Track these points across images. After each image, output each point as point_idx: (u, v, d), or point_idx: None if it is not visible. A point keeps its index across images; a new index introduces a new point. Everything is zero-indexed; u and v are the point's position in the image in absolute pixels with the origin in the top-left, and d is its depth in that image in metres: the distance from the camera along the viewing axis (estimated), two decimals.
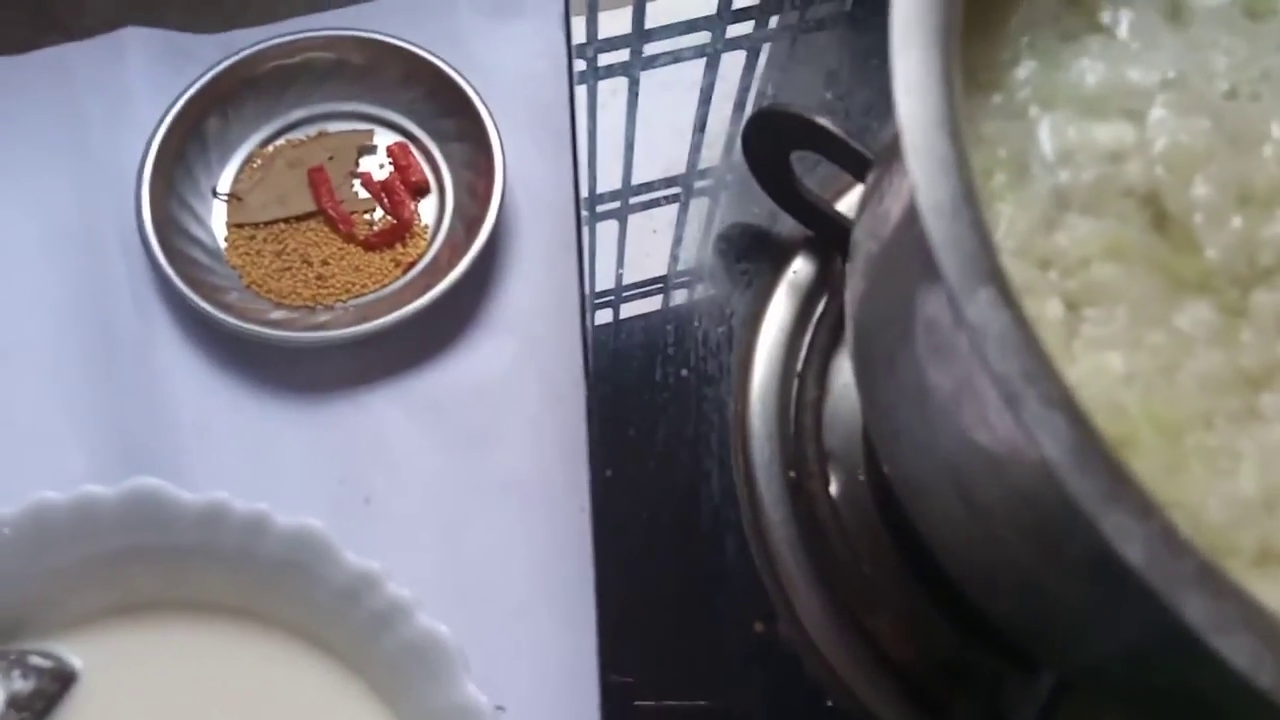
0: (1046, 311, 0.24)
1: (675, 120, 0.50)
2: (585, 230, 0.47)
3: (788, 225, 0.44)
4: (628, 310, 0.45)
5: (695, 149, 0.49)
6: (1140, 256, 0.25)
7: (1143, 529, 0.17)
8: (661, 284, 0.45)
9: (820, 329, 0.42)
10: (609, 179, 0.49)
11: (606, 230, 0.47)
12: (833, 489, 0.40)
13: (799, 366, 0.41)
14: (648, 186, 0.48)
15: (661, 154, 0.49)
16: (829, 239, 0.42)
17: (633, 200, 0.48)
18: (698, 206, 0.47)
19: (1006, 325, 0.18)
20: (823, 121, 0.37)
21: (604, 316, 0.45)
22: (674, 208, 0.47)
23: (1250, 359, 0.24)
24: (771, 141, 0.40)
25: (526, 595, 0.45)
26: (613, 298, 0.45)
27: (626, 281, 0.45)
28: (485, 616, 0.44)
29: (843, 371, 0.41)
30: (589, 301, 0.44)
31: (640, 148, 0.50)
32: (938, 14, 0.21)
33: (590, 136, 0.50)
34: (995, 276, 0.19)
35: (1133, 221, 0.26)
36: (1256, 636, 0.17)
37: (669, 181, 0.48)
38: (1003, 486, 0.23)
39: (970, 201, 0.20)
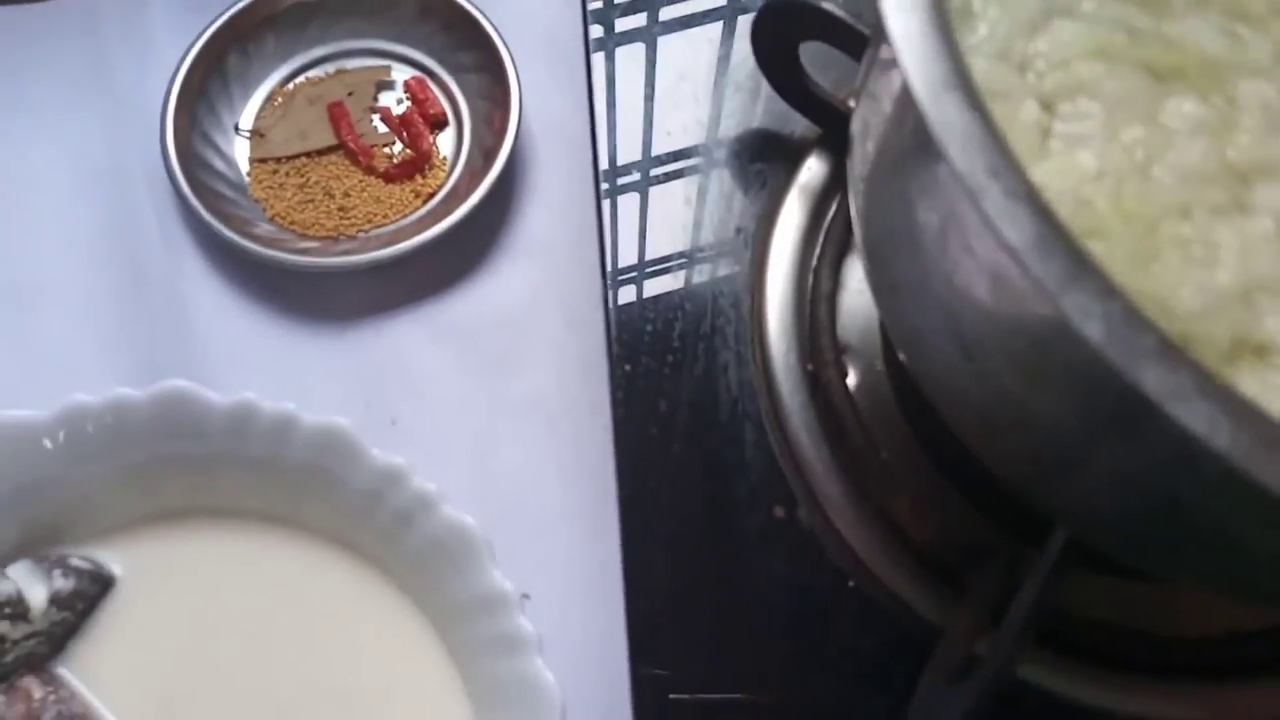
0: (1021, 114, 0.24)
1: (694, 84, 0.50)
2: (609, 203, 0.47)
3: (800, 126, 0.44)
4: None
5: (716, 106, 0.48)
6: (1125, 56, 0.25)
7: (1103, 307, 0.17)
8: (683, 258, 0.45)
9: (834, 224, 0.42)
10: (628, 145, 0.49)
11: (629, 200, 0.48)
12: (850, 380, 0.40)
13: (814, 262, 0.42)
14: (666, 158, 0.48)
15: (678, 119, 0.49)
16: (839, 136, 0.42)
17: (654, 171, 0.48)
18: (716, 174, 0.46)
19: (971, 125, 0.19)
20: (828, 6, 0.37)
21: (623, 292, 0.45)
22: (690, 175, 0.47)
23: (1241, 153, 0.24)
24: (780, 34, 0.40)
25: (553, 510, 0.46)
26: (634, 273, 0.45)
27: (644, 254, 0.45)
28: (514, 532, 0.45)
29: (857, 267, 0.42)
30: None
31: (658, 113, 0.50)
32: None
33: (609, 107, 0.50)
34: (962, 83, 0.19)
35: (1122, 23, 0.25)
36: (1212, 402, 0.17)
37: (685, 154, 0.48)
38: (988, 317, 0.23)
39: (937, 17, 0.20)
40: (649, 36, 0.50)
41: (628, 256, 0.45)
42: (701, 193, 0.45)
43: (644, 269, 0.44)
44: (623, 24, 0.51)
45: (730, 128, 0.46)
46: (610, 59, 0.50)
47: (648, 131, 0.48)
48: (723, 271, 0.43)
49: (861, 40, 0.37)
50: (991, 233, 0.18)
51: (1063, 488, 0.26)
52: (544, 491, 0.46)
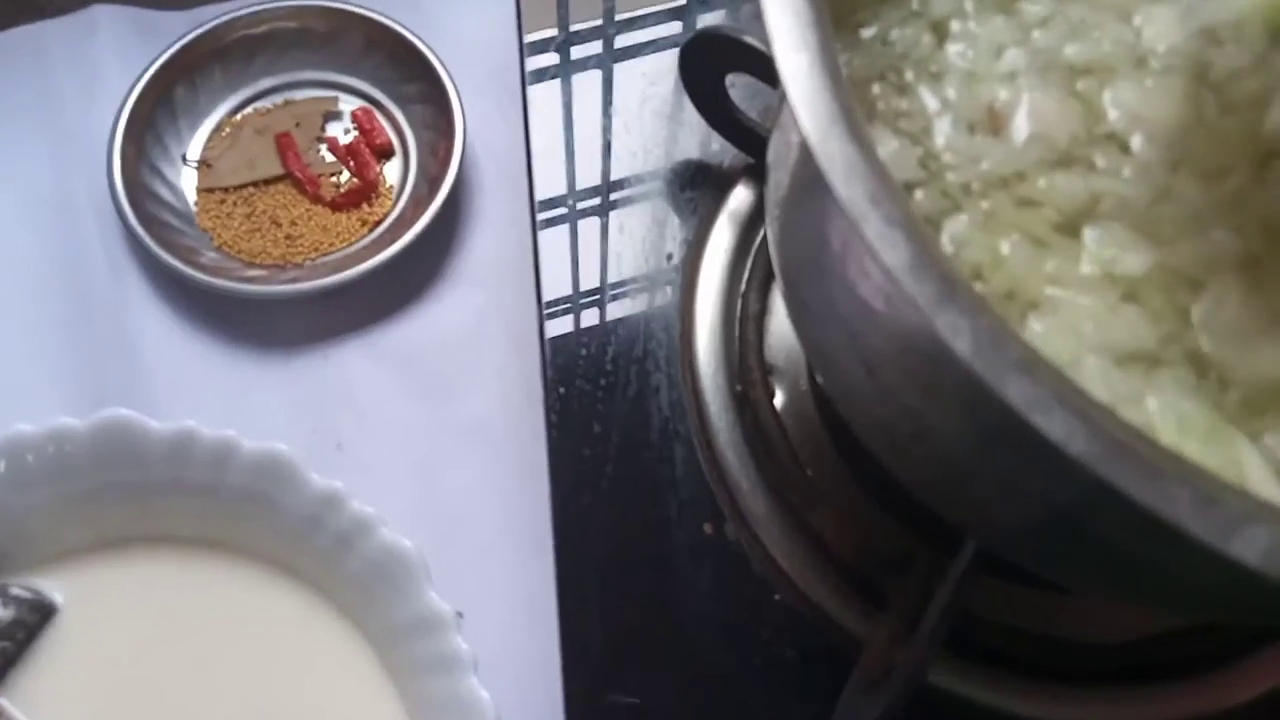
0: None
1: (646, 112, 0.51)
2: (567, 226, 0.49)
3: (729, 156, 0.46)
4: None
5: (671, 140, 0.50)
6: None
7: (970, 324, 0.19)
8: (637, 282, 0.46)
9: (761, 250, 0.44)
10: (584, 172, 0.50)
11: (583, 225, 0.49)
12: (777, 400, 0.41)
13: (742, 286, 0.43)
14: (621, 183, 0.49)
15: (633, 146, 0.50)
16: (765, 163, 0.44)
17: (585, 204, 0.49)
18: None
19: (853, 156, 0.20)
20: (752, 41, 0.39)
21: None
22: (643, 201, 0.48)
23: None
24: (707, 64, 0.42)
25: (493, 531, 0.47)
26: (597, 296, 0.47)
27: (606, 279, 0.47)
28: (455, 553, 0.46)
29: None
30: (560, 298, 0.45)
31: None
32: None
33: (566, 131, 0.51)
34: (846, 117, 0.21)
35: None
36: (1070, 411, 0.18)
37: (611, 186, 0.49)
38: (884, 334, 0.25)
39: (824, 56, 0.21)
40: (604, 64, 0.52)
41: (564, 284, 0.46)
42: (635, 220, 0.47)
43: (578, 298, 0.45)
44: (576, 52, 0.53)
45: (662, 158, 0.48)
46: (567, 83, 0.52)
47: (573, 166, 0.49)
48: (655, 297, 0.44)
49: None
50: (872, 256, 0.19)
51: (963, 498, 0.28)
52: (485, 513, 0.47)
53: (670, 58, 0.51)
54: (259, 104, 0.57)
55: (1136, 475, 0.18)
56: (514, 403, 0.49)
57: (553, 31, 0.53)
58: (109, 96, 0.54)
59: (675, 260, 0.45)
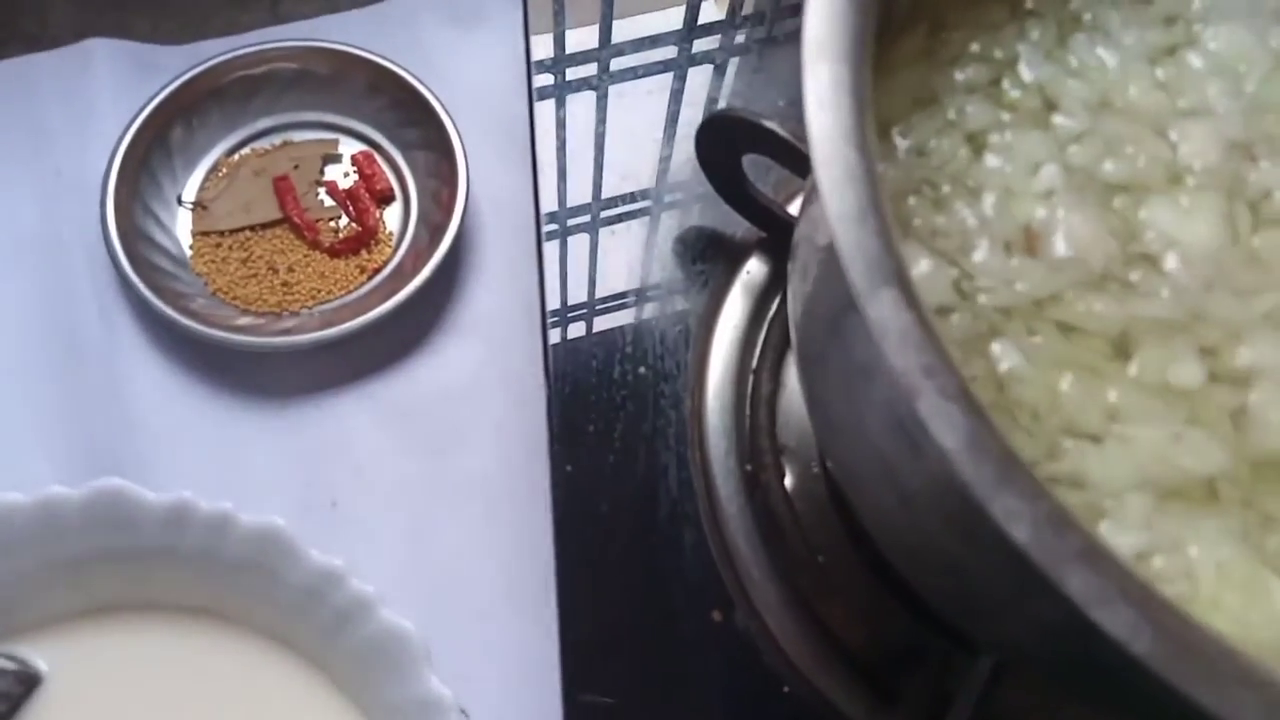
0: None
1: (641, 133, 0.51)
2: (558, 243, 0.48)
3: (742, 228, 0.45)
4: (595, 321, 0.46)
5: (664, 161, 0.50)
6: None
7: (1030, 510, 0.18)
8: (626, 298, 0.46)
9: (774, 327, 0.43)
10: (578, 192, 0.50)
11: (578, 242, 0.48)
12: (788, 482, 0.41)
13: (754, 363, 0.43)
14: (614, 201, 0.49)
15: (627, 167, 0.50)
16: (780, 240, 0.43)
17: (602, 214, 0.49)
18: (665, 218, 0.48)
19: (907, 324, 0.19)
20: (770, 125, 0.38)
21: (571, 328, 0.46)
22: (636, 219, 0.48)
23: None
24: (723, 145, 0.41)
25: (491, 596, 0.46)
26: (584, 310, 0.46)
27: (594, 294, 0.46)
28: (451, 618, 0.45)
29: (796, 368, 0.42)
30: (549, 311, 0.45)
31: (607, 161, 0.51)
32: (849, 31, 0.22)
33: (559, 151, 0.50)
34: (898, 278, 0.20)
35: None
36: (1133, 608, 0.18)
37: (632, 196, 0.49)
38: (923, 475, 0.24)
39: (875, 208, 0.21)
40: (599, 84, 0.52)
41: (553, 301, 0.46)
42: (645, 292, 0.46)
43: (566, 313, 0.44)
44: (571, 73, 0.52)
45: (673, 228, 0.47)
46: (561, 127, 0.51)
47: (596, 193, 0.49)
48: (665, 372, 0.43)
49: (802, 158, 0.38)
50: (925, 434, 0.19)
51: (989, 629, 0.27)
52: (481, 575, 0.46)
53: (665, 80, 0.50)
54: (257, 144, 0.56)
55: (1202, 679, 0.17)
56: (513, 459, 0.49)
57: (549, 53, 0.53)
58: (103, 134, 0.53)
59: (685, 335, 0.44)
